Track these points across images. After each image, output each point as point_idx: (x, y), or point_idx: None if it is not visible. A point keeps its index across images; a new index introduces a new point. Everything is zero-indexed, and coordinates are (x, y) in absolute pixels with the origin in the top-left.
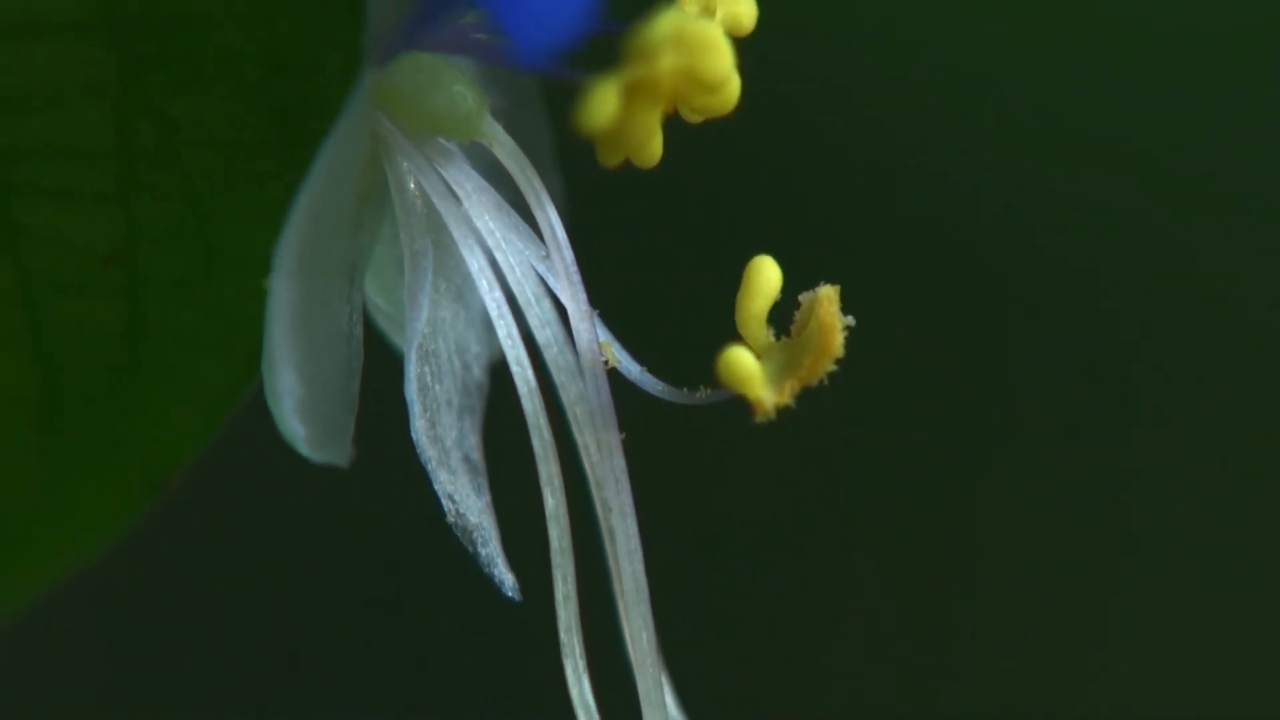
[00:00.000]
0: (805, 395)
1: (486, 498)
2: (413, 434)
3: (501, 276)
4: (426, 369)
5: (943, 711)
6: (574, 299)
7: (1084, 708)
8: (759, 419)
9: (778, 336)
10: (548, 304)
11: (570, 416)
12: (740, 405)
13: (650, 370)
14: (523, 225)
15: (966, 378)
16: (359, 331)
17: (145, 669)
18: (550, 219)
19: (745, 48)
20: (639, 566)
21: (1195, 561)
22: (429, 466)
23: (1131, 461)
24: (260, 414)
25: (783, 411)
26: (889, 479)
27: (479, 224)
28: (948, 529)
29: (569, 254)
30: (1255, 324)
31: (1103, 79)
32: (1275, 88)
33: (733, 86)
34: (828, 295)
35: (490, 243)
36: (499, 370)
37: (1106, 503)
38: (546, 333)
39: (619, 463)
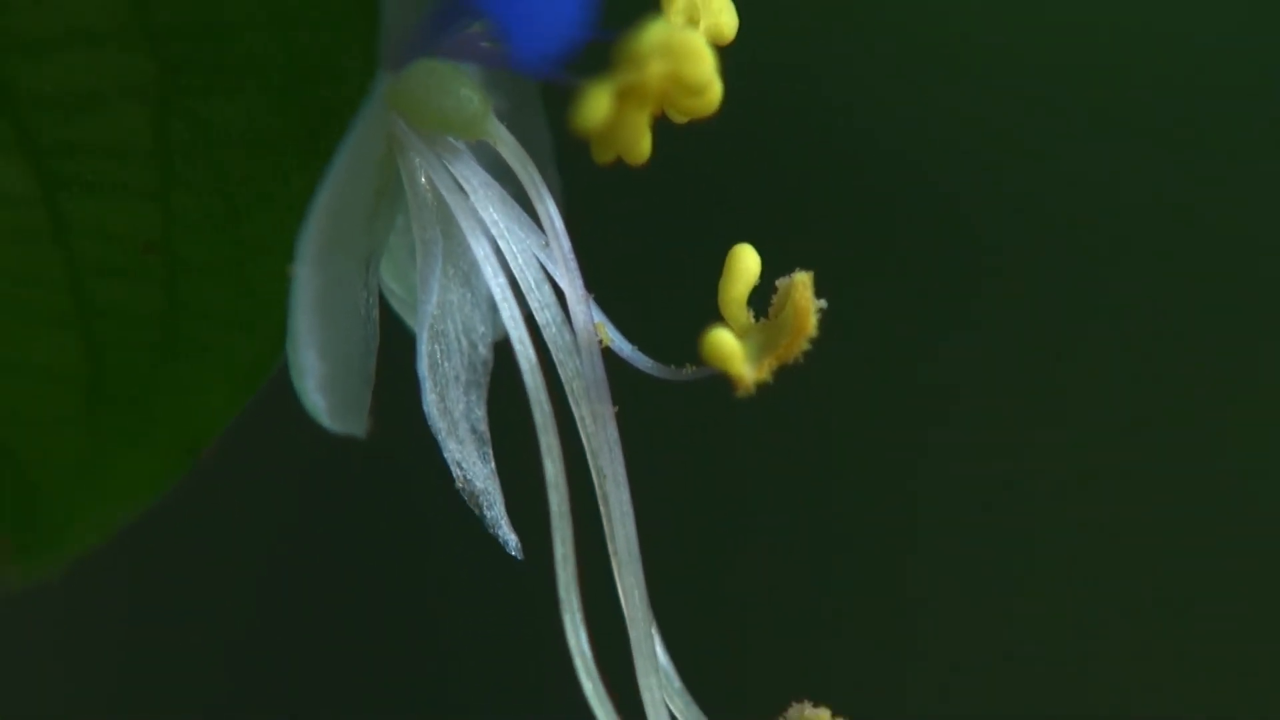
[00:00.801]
0: (782, 372)
1: (491, 465)
2: (424, 407)
3: (505, 263)
4: (437, 348)
5: (933, 661)
6: (571, 284)
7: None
8: (740, 394)
9: (757, 318)
10: (547, 288)
11: (568, 391)
12: (723, 381)
13: (641, 349)
14: (524, 216)
15: (928, 354)
16: (375, 314)
17: (167, 633)
18: (549, 211)
19: (726, 55)
20: (631, 529)
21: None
22: (439, 436)
23: (1102, 444)
24: (285, 388)
25: (761, 387)
26: (856, 445)
27: (484, 215)
28: (901, 484)
29: (566, 243)
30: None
31: (1078, 79)
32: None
33: (715, 91)
34: (802, 280)
35: (495, 232)
36: (503, 348)
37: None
38: (546, 314)
39: (613, 433)
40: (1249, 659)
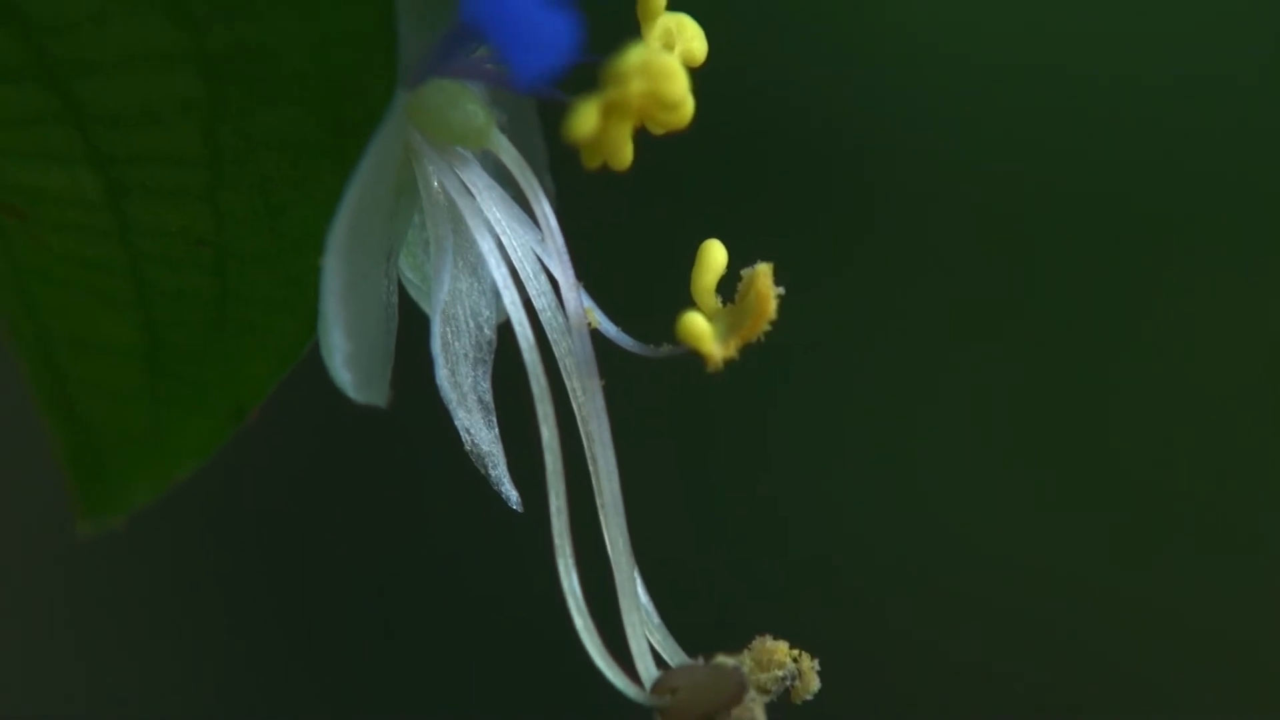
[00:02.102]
0: (746, 349)
1: (495, 431)
2: (437, 380)
3: (507, 256)
4: (448, 329)
5: (902, 609)
6: (564, 273)
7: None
8: (710, 369)
9: (724, 303)
10: (544, 278)
11: (561, 366)
12: (695, 358)
13: (624, 330)
14: (523, 215)
15: (876, 334)
16: (395, 299)
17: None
18: (545, 210)
19: (697, 76)
20: (616, 485)
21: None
22: (450, 406)
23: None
24: (316, 363)
25: (728, 362)
26: (809, 409)
27: (489, 215)
28: (845, 438)
29: (560, 238)
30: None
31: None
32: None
33: (688, 106)
34: (764, 271)
35: (498, 229)
36: (505, 330)
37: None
38: (542, 300)
39: (599, 403)
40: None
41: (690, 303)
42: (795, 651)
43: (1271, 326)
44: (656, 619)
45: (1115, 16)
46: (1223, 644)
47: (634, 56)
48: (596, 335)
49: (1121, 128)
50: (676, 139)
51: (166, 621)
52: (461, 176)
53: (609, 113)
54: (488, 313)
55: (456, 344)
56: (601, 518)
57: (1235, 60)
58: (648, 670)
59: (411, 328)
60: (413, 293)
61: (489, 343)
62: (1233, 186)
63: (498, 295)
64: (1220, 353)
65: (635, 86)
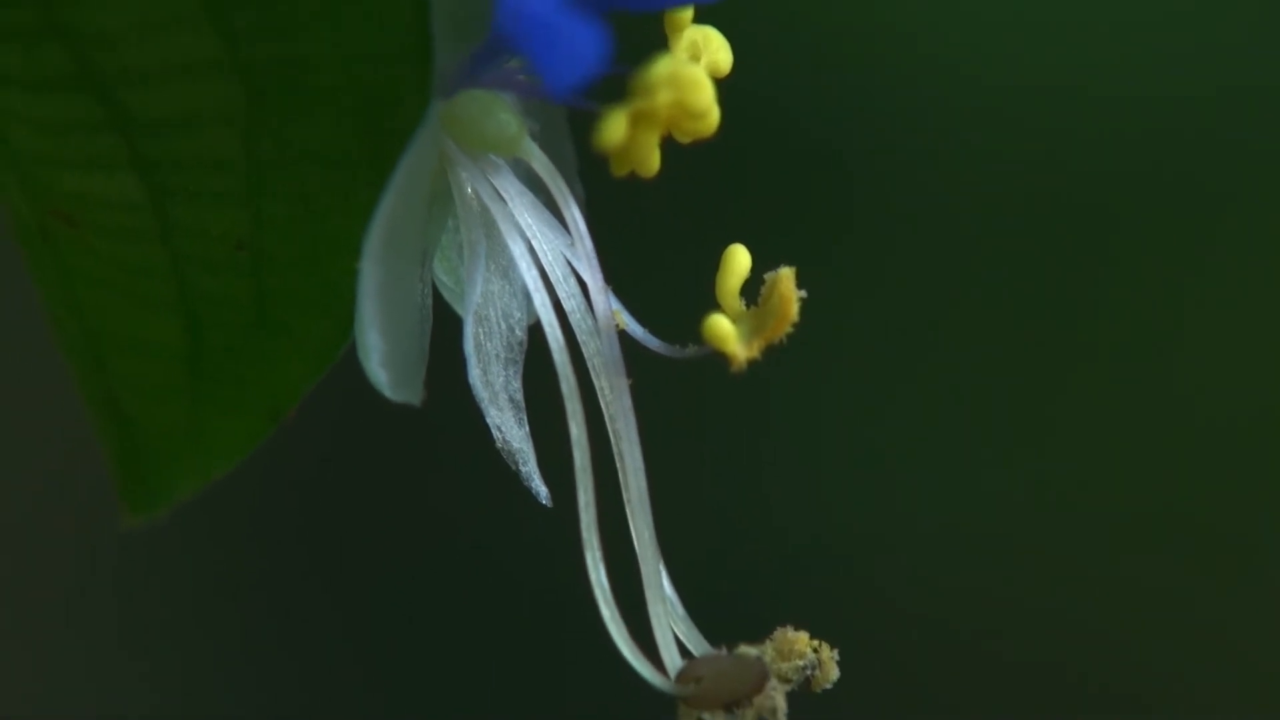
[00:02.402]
0: (769, 350)
1: (526, 428)
2: (470, 380)
3: (538, 260)
4: (480, 330)
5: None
6: (593, 277)
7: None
8: (734, 369)
9: (748, 306)
10: (573, 281)
11: (590, 366)
12: (720, 359)
13: (651, 331)
14: (554, 221)
15: (893, 336)
16: (429, 302)
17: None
18: (575, 216)
19: (722, 85)
20: (642, 481)
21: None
22: (482, 405)
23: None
24: (353, 364)
25: (752, 363)
26: (829, 407)
27: (520, 220)
28: (867, 433)
29: (589, 242)
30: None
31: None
32: None
33: (713, 115)
34: (786, 274)
35: (529, 234)
36: (535, 331)
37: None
38: (572, 302)
39: (627, 402)
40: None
41: (715, 305)
42: (815, 642)
43: (1267, 326)
44: (681, 610)
45: (1108, 24)
46: (1222, 630)
47: (662, 67)
48: (624, 336)
49: (1111, 132)
50: (702, 147)
51: (208, 612)
52: (494, 183)
53: (637, 122)
54: (519, 314)
55: (489, 344)
56: (628, 512)
57: (1232, 68)
58: (672, 660)
59: (445, 329)
60: (447, 295)
61: (520, 343)
62: (1222, 187)
63: (529, 297)
64: (1210, 352)
65: (663, 97)
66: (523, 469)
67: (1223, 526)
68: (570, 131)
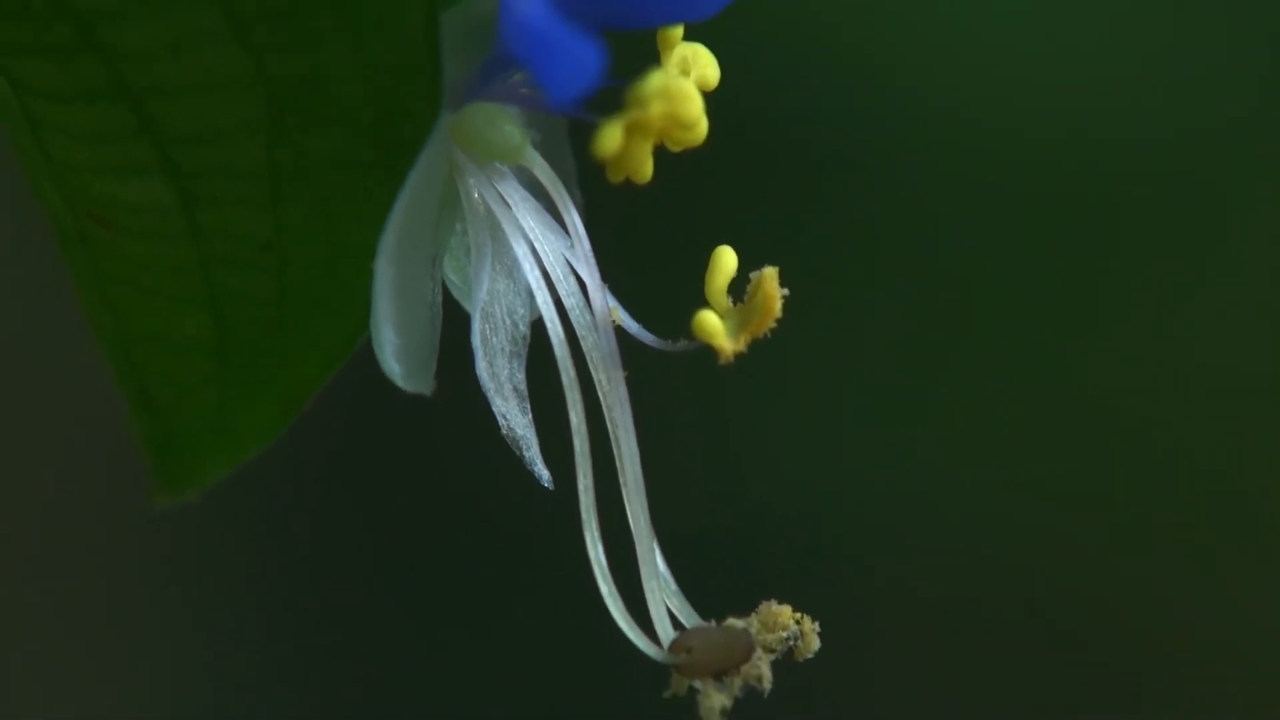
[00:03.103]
0: (754, 344)
1: (529, 416)
2: (477, 371)
3: (540, 260)
4: (487, 326)
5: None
6: (590, 276)
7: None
8: (722, 362)
9: (735, 303)
10: (573, 280)
11: (588, 359)
12: (709, 352)
13: (645, 326)
14: (554, 224)
15: (868, 329)
16: (439, 299)
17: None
18: (574, 219)
19: (711, 98)
20: (637, 465)
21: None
22: (489, 395)
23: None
24: (369, 357)
25: (738, 355)
26: (812, 397)
27: (523, 223)
28: (842, 421)
29: (587, 244)
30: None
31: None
32: None
33: (702, 126)
34: (770, 274)
35: (531, 237)
36: (538, 326)
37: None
38: (571, 300)
39: (623, 392)
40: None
41: (704, 302)
42: (798, 615)
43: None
44: (673, 585)
45: (1094, 33)
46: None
47: (654, 81)
48: (620, 331)
49: (1100, 142)
50: (692, 155)
51: (230, 593)
52: (499, 189)
53: (632, 132)
54: (522, 311)
55: (494, 339)
56: (624, 495)
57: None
58: (665, 632)
59: (454, 325)
60: (455, 293)
61: (523, 338)
62: (1204, 186)
63: (531, 295)
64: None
65: (656, 108)
66: (526, 454)
67: (1221, 525)
68: (570, 141)
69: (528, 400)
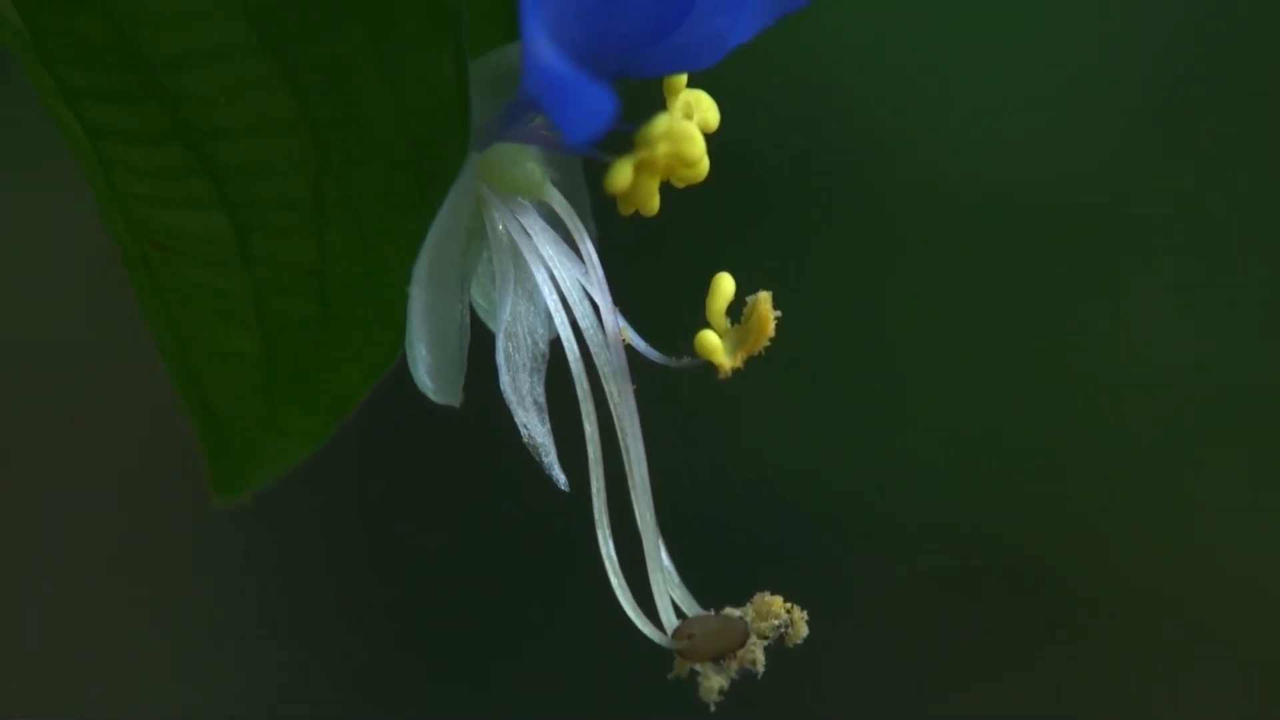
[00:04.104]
0: (750, 361)
1: (548, 426)
2: (501, 385)
3: (558, 285)
4: (510, 344)
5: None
6: (603, 299)
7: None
8: (721, 376)
9: (732, 324)
10: (587, 303)
11: (601, 374)
12: (709, 368)
13: (652, 345)
14: (571, 253)
15: (855, 349)
16: (467, 320)
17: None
18: (588, 249)
19: (712, 140)
20: (644, 470)
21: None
22: (511, 406)
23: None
24: (403, 372)
25: (736, 371)
26: (799, 407)
27: (543, 252)
28: (832, 426)
29: (600, 271)
30: None
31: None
32: None
33: (704, 165)
34: (764, 297)
35: (550, 264)
36: (556, 345)
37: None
38: (586, 321)
39: (631, 403)
40: None
41: (705, 323)
42: (789, 605)
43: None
44: (676, 579)
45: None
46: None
47: (660, 124)
48: (629, 349)
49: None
50: (695, 190)
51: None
52: (521, 221)
53: (640, 170)
54: (542, 331)
55: (516, 356)
56: (632, 496)
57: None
58: (669, 620)
59: (480, 343)
60: (482, 315)
61: (543, 355)
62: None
63: (550, 317)
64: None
65: (662, 148)
66: (545, 460)
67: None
68: (584, 178)
69: (546, 411)
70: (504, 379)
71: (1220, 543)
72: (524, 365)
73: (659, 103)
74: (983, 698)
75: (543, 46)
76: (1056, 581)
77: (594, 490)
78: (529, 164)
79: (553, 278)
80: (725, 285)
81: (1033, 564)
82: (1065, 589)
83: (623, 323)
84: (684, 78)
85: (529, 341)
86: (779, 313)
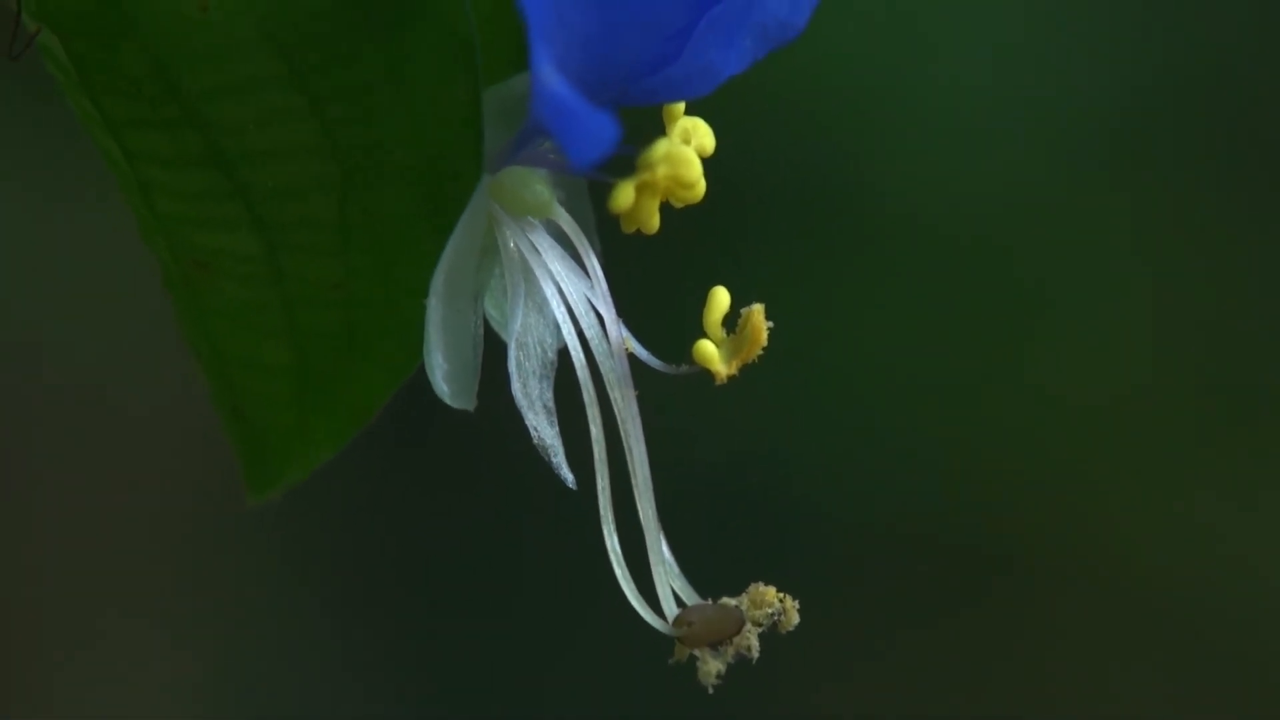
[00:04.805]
0: (744, 369)
1: (556, 429)
2: (513, 391)
3: (565, 299)
4: (520, 353)
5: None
6: (608, 311)
7: None
8: (718, 383)
9: (728, 334)
10: (593, 315)
11: (606, 381)
12: (706, 375)
13: (653, 353)
14: (577, 268)
15: (841, 357)
16: (481, 331)
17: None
18: (593, 264)
19: (708, 163)
20: (646, 469)
21: None
22: (522, 410)
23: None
24: (422, 379)
25: (731, 378)
26: (791, 411)
27: (551, 268)
28: (825, 427)
29: (604, 285)
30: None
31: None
32: None
33: (701, 186)
34: (758, 309)
35: (558, 279)
36: (563, 354)
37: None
38: (591, 331)
39: (634, 408)
40: None
41: (702, 333)
42: (781, 594)
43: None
44: (677, 570)
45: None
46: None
47: (660, 149)
48: (632, 358)
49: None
50: (692, 210)
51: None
52: (531, 239)
53: (641, 191)
54: (550, 340)
55: (527, 364)
56: (635, 494)
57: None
58: (670, 609)
59: (493, 352)
60: (495, 326)
61: (551, 363)
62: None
63: (558, 328)
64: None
65: (661, 171)
66: (554, 460)
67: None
68: (590, 198)
69: (555, 415)
70: (515, 385)
71: (1189, 520)
72: (534, 372)
73: (659, 129)
74: (967, 686)
75: (550, 76)
76: (1043, 566)
77: (599, 488)
78: (538, 186)
79: (561, 291)
80: (721, 298)
81: (1016, 548)
82: (1043, 568)
83: (626, 333)
84: (682, 105)
85: (539, 351)
86: (771, 323)
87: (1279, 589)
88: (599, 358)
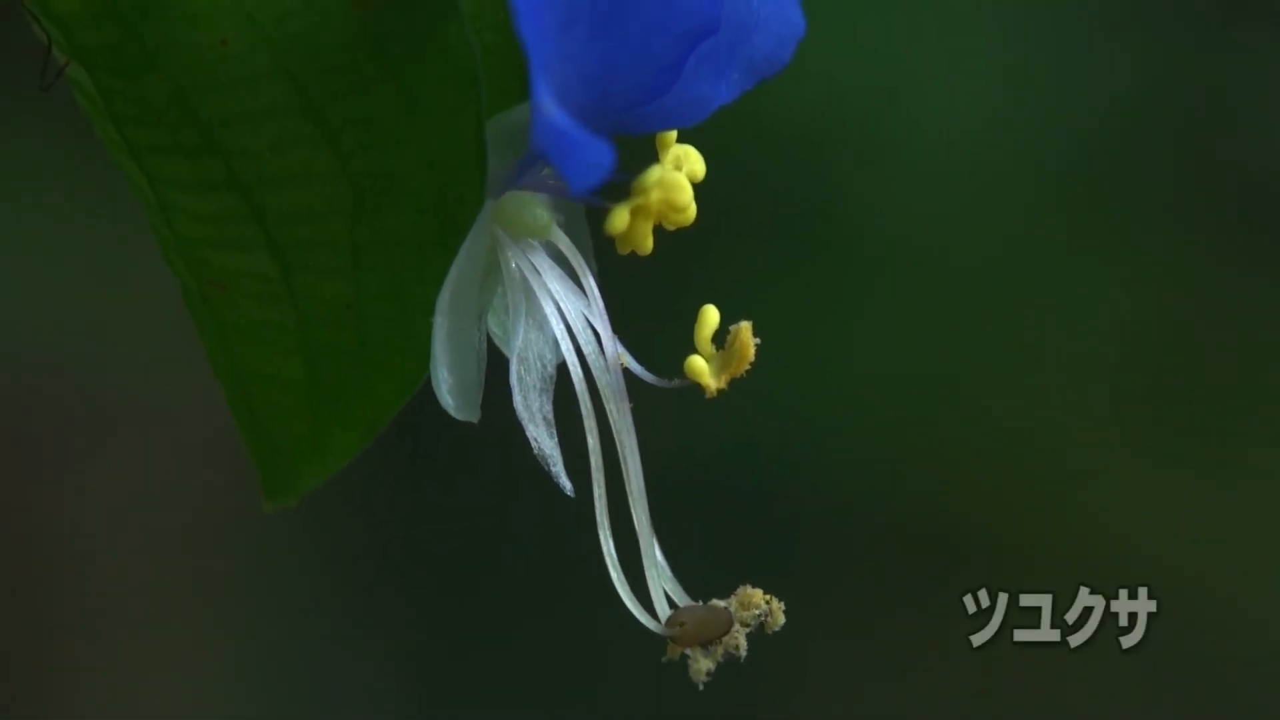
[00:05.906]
0: (733, 383)
1: (555, 439)
2: (514, 404)
3: (564, 316)
4: (521, 368)
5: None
6: (604, 328)
7: None
8: (708, 396)
9: (718, 349)
10: (590, 332)
11: (602, 393)
12: (697, 388)
13: (647, 368)
14: (575, 288)
15: (827, 371)
16: (484, 346)
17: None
18: (590, 284)
19: (699, 188)
20: (640, 478)
21: None
22: (523, 422)
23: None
24: (428, 392)
25: (721, 391)
26: (778, 420)
27: (550, 287)
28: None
29: (601, 303)
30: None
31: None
32: None
33: (692, 210)
34: (745, 326)
35: (557, 298)
36: (562, 369)
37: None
38: (589, 347)
39: (629, 420)
40: None
41: (693, 349)
42: (768, 596)
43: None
44: (669, 573)
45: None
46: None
47: (653, 174)
48: (627, 372)
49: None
50: (683, 232)
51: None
52: (531, 260)
53: (636, 215)
54: (550, 356)
55: (528, 378)
56: (630, 501)
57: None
58: (663, 610)
59: (496, 367)
60: (497, 342)
61: (551, 377)
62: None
63: (557, 344)
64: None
65: (655, 196)
66: (553, 469)
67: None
68: (587, 221)
69: (554, 427)
70: (517, 398)
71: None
72: (534, 386)
73: (652, 155)
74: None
75: (550, 107)
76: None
77: (596, 496)
78: (538, 209)
79: (559, 309)
80: (711, 316)
81: (1001, 560)
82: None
83: (621, 349)
84: (674, 133)
85: (539, 365)
86: (758, 340)
87: (1263, 584)
88: (596, 372)
